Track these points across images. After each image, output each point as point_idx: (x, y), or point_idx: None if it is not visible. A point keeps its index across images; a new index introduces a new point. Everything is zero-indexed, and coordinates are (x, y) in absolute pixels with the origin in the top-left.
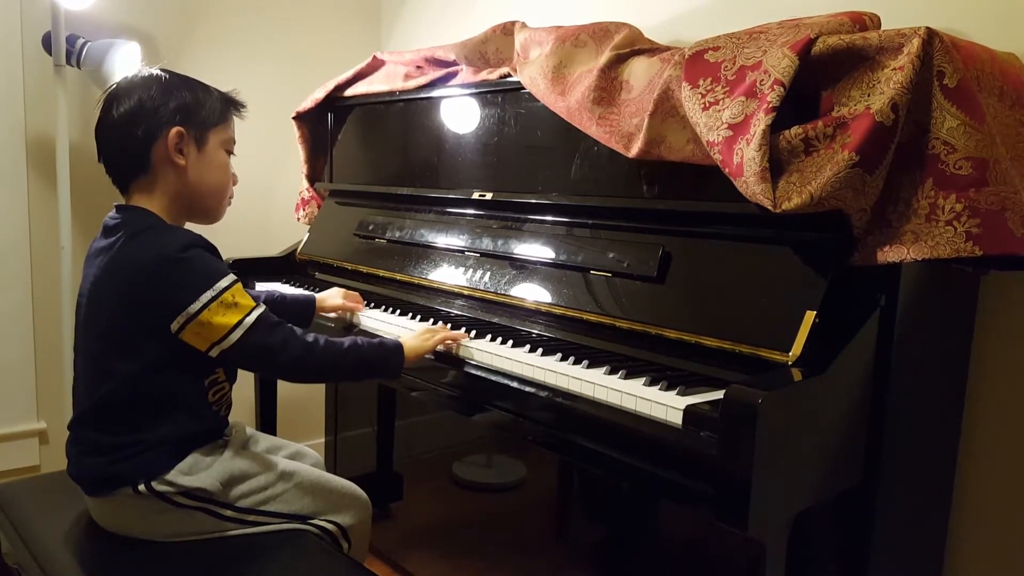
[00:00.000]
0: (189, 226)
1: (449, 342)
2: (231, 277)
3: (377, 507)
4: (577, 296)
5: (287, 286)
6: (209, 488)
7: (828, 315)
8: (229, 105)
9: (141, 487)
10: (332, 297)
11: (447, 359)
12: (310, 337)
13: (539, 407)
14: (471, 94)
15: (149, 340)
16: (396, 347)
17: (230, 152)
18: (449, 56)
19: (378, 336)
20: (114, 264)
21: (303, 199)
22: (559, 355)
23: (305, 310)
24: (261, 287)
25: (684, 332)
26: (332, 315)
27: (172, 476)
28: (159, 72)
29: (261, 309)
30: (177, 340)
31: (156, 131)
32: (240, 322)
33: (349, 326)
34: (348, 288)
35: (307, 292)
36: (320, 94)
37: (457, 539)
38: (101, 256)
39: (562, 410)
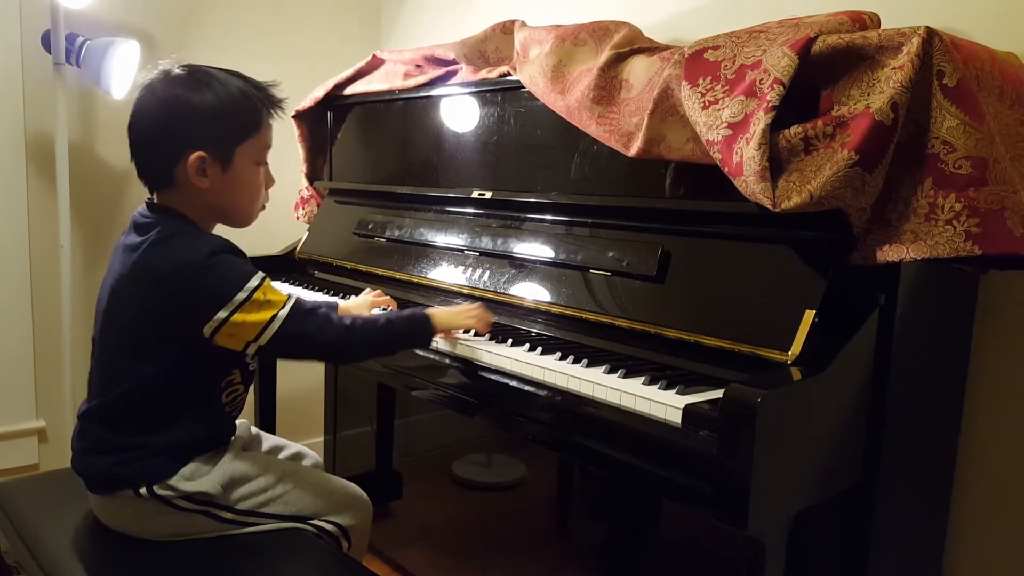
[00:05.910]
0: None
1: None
2: (259, 276)
3: (376, 506)
4: (577, 295)
5: (296, 287)
6: (210, 491)
7: (827, 314)
8: (265, 108)
9: (143, 490)
10: (359, 304)
11: (446, 357)
12: (347, 319)
13: (538, 406)
14: (471, 93)
15: (170, 345)
16: (426, 319)
17: (261, 163)
18: (449, 55)
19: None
20: (140, 266)
21: (302, 198)
22: (558, 354)
23: None
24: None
25: (683, 331)
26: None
27: (174, 481)
28: (187, 74)
29: (293, 301)
30: (205, 344)
31: (178, 153)
32: (275, 316)
33: None
34: (348, 287)
35: (332, 299)
36: (320, 92)
37: (456, 538)
38: (128, 254)
39: (561, 409)
